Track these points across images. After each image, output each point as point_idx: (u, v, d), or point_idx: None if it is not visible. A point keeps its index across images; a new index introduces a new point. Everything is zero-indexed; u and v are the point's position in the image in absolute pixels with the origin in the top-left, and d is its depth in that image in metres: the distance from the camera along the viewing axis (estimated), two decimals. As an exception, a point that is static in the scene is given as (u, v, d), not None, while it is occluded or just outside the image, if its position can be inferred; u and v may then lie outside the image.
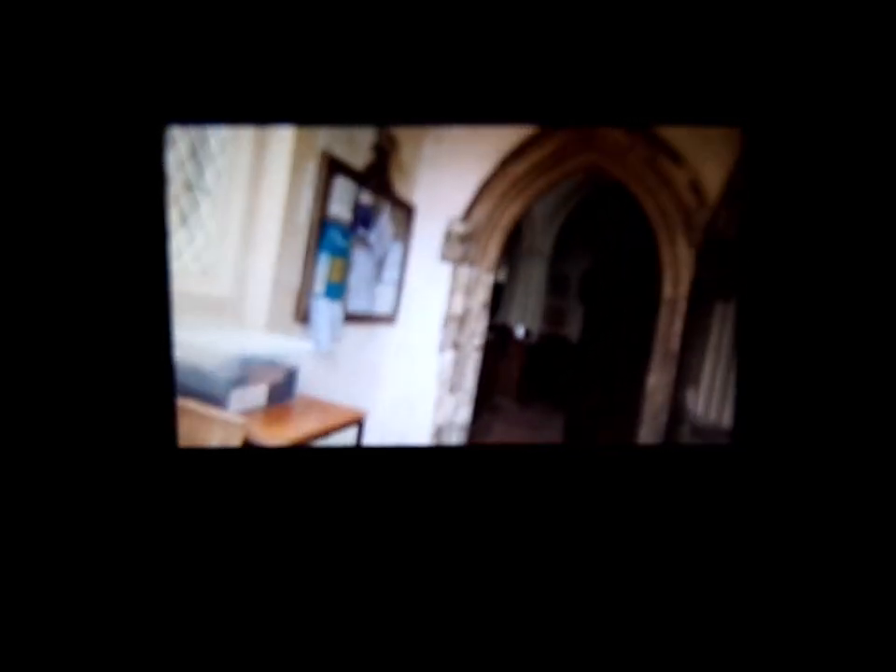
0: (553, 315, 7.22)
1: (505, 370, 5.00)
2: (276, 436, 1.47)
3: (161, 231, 0.98)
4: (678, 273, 2.53)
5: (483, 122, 1.10)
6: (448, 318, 2.87)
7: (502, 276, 6.38)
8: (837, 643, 1.04)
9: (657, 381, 2.63)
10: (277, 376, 1.64)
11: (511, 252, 6.53)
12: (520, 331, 5.44)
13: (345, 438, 1.84)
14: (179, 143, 1.59)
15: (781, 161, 1.05)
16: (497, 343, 4.93)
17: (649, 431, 2.68)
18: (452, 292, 2.86)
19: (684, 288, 2.51)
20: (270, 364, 1.62)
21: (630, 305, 3.16)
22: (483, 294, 2.97)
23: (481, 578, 1.10)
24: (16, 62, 0.88)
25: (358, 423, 1.85)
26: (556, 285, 7.19)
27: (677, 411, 2.53)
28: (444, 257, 2.86)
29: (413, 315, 2.87)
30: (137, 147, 0.94)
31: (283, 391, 1.67)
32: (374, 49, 0.97)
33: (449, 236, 2.84)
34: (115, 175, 0.94)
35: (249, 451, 1.19)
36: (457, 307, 2.87)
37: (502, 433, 3.91)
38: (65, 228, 0.94)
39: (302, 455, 1.24)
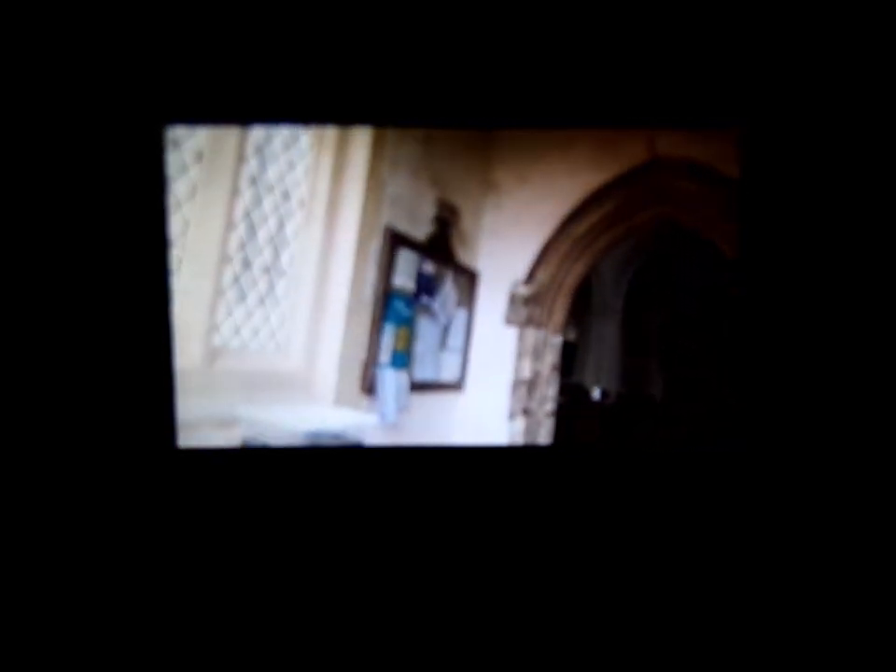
0: (632, 374, 6.85)
1: (581, 435, 4.70)
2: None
3: (162, 230, 0.96)
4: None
5: (484, 122, 1.08)
6: (516, 383, 2.77)
7: (573, 336, 6.19)
8: (837, 642, 1.02)
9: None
10: (343, 451, 1.61)
11: (582, 311, 6.36)
12: (596, 393, 5.16)
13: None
14: (258, 230, 1.72)
15: (780, 163, 1.03)
16: (572, 405, 4.69)
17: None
18: (519, 356, 2.77)
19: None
20: (336, 438, 1.60)
21: (717, 361, 2.89)
22: (551, 357, 2.85)
23: (484, 580, 1.07)
24: (16, 62, 0.86)
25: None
26: (632, 341, 6.88)
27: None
28: (509, 321, 2.80)
29: (479, 381, 2.79)
30: (138, 148, 0.92)
31: (348, 466, 1.63)
32: (374, 49, 0.94)
33: (513, 299, 2.81)
34: (115, 176, 0.92)
35: (250, 451, 1.16)
36: (525, 371, 2.77)
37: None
38: (65, 228, 0.93)
39: (303, 456, 1.21)
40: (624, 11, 0.97)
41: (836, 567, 1.07)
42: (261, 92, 0.98)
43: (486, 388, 2.77)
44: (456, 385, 2.75)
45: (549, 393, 2.86)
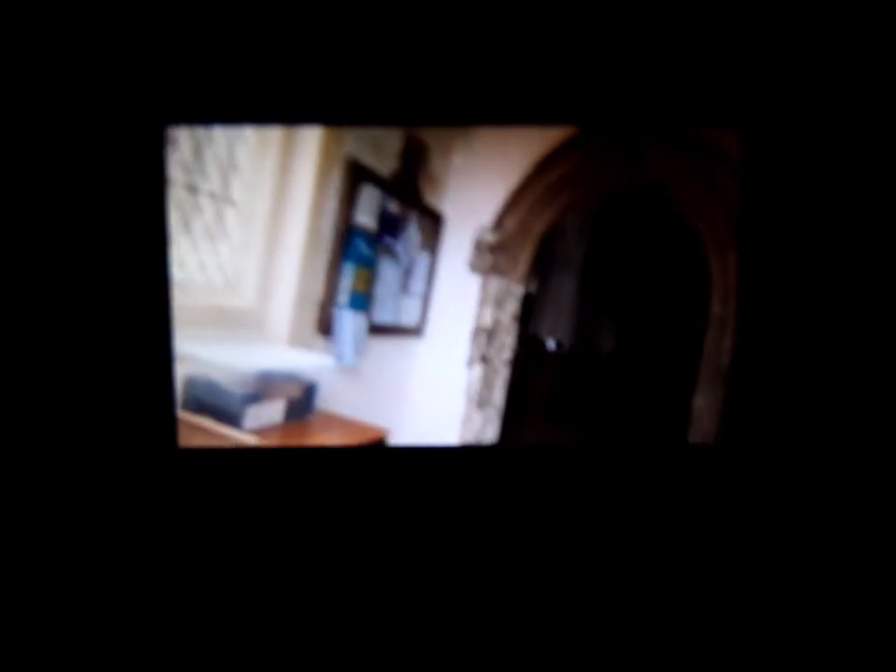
0: (586, 328, 7.05)
1: (534, 384, 4.85)
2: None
3: (162, 231, 0.96)
4: (728, 287, 2.35)
5: (482, 123, 1.08)
6: (477, 331, 2.77)
7: (533, 287, 6.34)
8: (834, 642, 1.02)
9: (704, 403, 2.44)
10: (295, 391, 1.57)
11: (543, 263, 6.41)
12: (551, 343, 5.28)
13: (366, 457, 1.76)
14: (204, 151, 1.56)
15: (780, 164, 1.02)
16: (528, 356, 4.80)
17: (691, 455, 2.49)
18: (481, 304, 2.76)
19: (735, 305, 2.32)
20: (288, 379, 1.55)
21: (671, 319, 2.98)
22: (513, 306, 2.85)
23: (481, 580, 1.08)
24: (16, 62, 0.86)
25: (380, 441, 1.76)
26: (589, 296, 7.05)
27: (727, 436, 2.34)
28: (474, 267, 2.76)
29: (440, 327, 2.77)
30: (137, 148, 0.93)
31: (301, 407, 1.60)
32: (374, 49, 0.94)
33: (479, 246, 2.75)
34: (115, 176, 0.92)
35: (249, 451, 1.16)
36: (487, 320, 2.77)
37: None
38: (65, 229, 0.92)
39: (303, 455, 1.22)
40: (626, 14, 0.97)
41: (829, 561, 1.07)
42: (261, 92, 0.98)
43: (446, 335, 2.76)
44: (416, 331, 2.72)
45: (507, 342, 2.88)
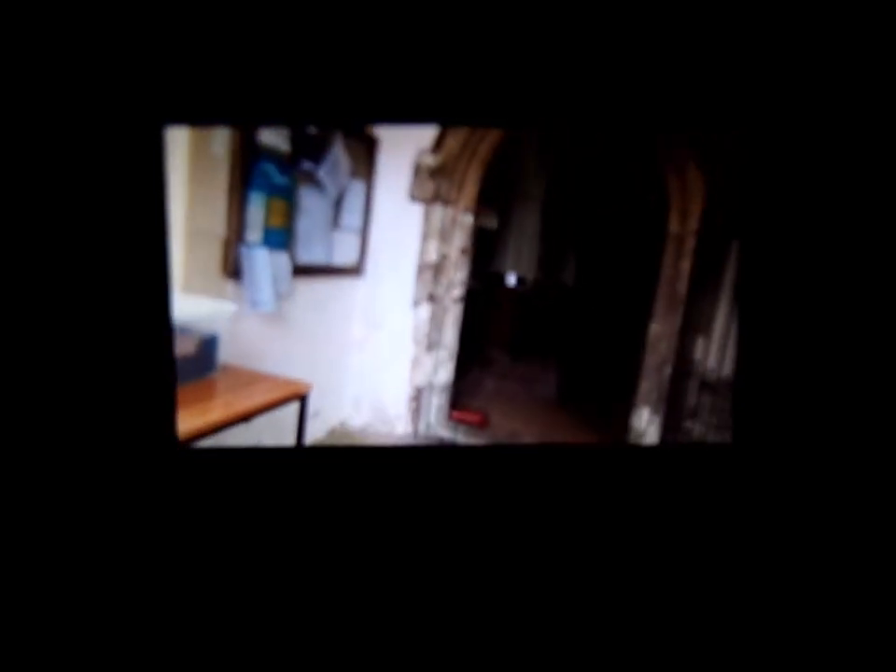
0: (549, 261, 6.96)
1: (497, 321, 4.70)
2: (190, 419, 1.18)
3: (162, 230, 0.98)
4: (686, 204, 2.16)
5: (481, 123, 1.20)
6: (421, 268, 2.53)
7: (494, 224, 6.27)
8: (835, 642, 1.04)
9: (661, 329, 2.32)
10: (189, 346, 1.33)
11: (504, 198, 6.21)
12: (511, 280, 5.08)
13: (287, 413, 1.56)
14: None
15: (782, 162, 1.04)
16: (487, 294, 4.61)
17: (651, 386, 2.39)
18: (424, 237, 2.50)
19: (694, 223, 2.14)
20: (182, 331, 1.30)
21: (630, 243, 2.80)
22: (461, 239, 2.60)
23: (476, 580, 1.11)
24: (13, 61, 0.88)
25: (301, 398, 1.55)
26: (551, 229, 6.95)
27: (683, 363, 2.24)
28: (413, 196, 2.47)
29: (381, 265, 2.52)
30: (137, 148, 0.95)
31: (199, 364, 1.36)
32: (373, 49, 0.96)
33: (418, 171, 2.45)
34: (114, 176, 0.94)
35: (250, 451, 1.21)
36: (431, 254, 2.52)
37: (492, 390, 3.65)
38: (64, 228, 0.94)
39: (302, 455, 1.25)
40: (626, 13, 0.97)
41: (831, 561, 1.09)
42: (261, 92, 1.01)
43: (389, 273, 2.51)
44: (354, 270, 2.46)
45: (457, 278, 2.66)
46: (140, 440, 1.05)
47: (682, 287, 2.20)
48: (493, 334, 4.61)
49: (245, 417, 1.31)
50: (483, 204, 2.78)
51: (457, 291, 2.70)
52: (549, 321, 5.31)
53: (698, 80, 1.01)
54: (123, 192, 0.96)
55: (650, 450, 1.52)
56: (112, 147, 0.95)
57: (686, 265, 2.17)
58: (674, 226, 2.22)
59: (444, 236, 2.54)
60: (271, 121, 1.24)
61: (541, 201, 6.61)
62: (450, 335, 2.71)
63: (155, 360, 1.03)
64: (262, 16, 0.95)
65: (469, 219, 2.64)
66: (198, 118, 1.05)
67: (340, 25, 0.97)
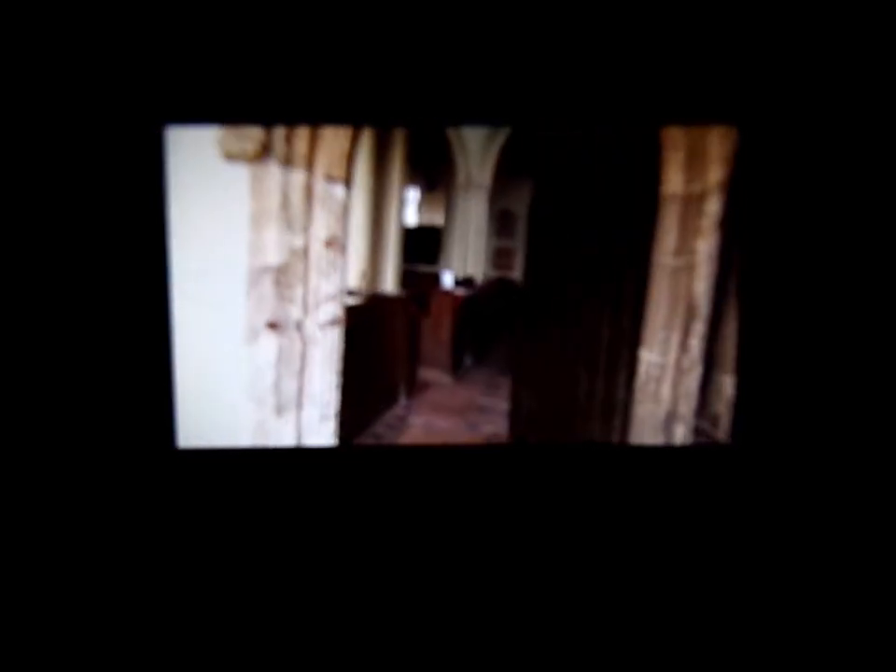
0: (499, 257, 6.15)
1: (430, 335, 3.69)
2: None
3: (161, 230, 1.02)
4: (699, 142, 1.21)
5: (480, 123, 1.39)
6: (255, 274, 1.48)
7: (440, 221, 5.92)
8: (835, 641, 1.02)
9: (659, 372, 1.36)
10: None
11: (446, 188, 5.49)
12: (448, 280, 4.06)
13: None
14: None
15: (779, 159, 1.03)
16: (417, 301, 3.60)
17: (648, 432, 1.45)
18: (254, 221, 1.45)
19: (718, 172, 1.19)
20: None
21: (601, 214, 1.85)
22: (326, 223, 1.57)
23: (476, 579, 1.10)
24: (15, 62, 0.90)
25: None
26: (501, 221, 6.23)
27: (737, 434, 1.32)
28: (230, 154, 1.42)
29: (180, 271, 1.46)
30: (137, 148, 0.99)
31: None
32: (372, 49, 1.00)
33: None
34: (114, 176, 0.98)
35: (250, 451, 1.20)
36: (269, 251, 1.48)
37: (419, 432, 2.64)
38: (64, 228, 0.96)
39: (302, 455, 1.27)
40: (625, 13, 0.99)
41: (830, 560, 1.05)
42: (260, 92, 1.04)
43: (193, 286, 1.45)
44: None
45: (327, 289, 1.63)
46: (139, 440, 1.06)
47: (699, 290, 1.24)
48: (426, 352, 3.61)
49: None
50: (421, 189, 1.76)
51: (331, 310, 1.66)
52: (502, 326, 4.43)
53: (698, 80, 0.99)
54: (123, 192, 0.99)
55: (650, 450, 1.45)
56: (112, 148, 0.98)
57: (704, 248, 1.21)
58: (674, 182, 1.27)
59: (292, 219, 1.50)
60: (271, 121, 1.23)
61: (489, 189, 5.81)
62: (322, 381, 1.68)
63: (154, 361, 1.05)
64: (262, 16, 0.97)
65: (341, 191, 1.61)
66: (198, 118, 1.09)
67: (340, 25, 0.98)
